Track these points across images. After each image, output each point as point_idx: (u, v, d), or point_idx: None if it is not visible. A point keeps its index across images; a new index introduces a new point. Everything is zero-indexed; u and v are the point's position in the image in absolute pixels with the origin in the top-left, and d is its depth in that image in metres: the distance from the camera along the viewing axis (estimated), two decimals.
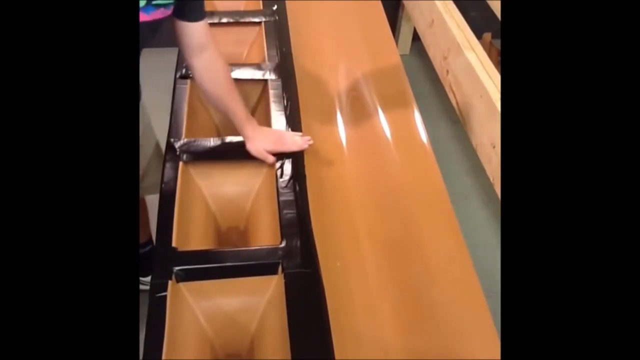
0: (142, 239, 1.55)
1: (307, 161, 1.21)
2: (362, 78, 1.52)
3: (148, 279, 1.52)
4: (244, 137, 1.18)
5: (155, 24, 0.98)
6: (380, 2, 1.83)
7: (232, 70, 1.39)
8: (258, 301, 0.99)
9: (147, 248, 1.57)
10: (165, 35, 1.13)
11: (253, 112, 1.45)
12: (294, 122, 1.27)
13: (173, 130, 1.23)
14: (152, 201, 1.36)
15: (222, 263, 0.98)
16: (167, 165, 1.15)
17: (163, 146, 1.25)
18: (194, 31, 1.04)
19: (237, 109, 1.15)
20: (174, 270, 0.95)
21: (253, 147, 1.17)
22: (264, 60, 1.46)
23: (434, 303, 1.01)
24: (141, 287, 1.48)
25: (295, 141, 1.21)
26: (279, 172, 1.15)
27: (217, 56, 1.10)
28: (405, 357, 0.93)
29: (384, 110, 1.41)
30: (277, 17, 1.61)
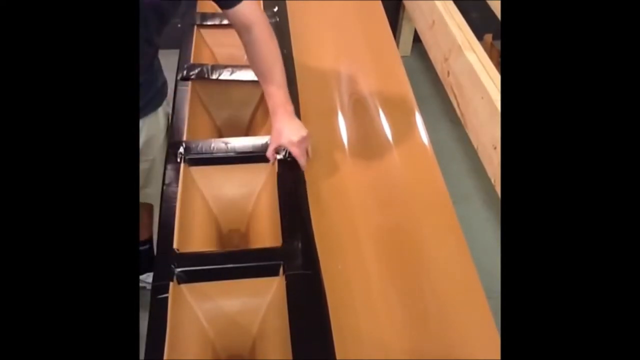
0: (143, 236, 1.56)
1: (308, 162, 1.21)
2: (363, 79, 1.52)
3: (145, 276, 1.56)
4: (275, 117, 1.16)
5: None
6: (380, 3, 1.83)
7: (233, 72, 1.39)
8: (259, 303, 0.99)
9: (147, 246, 1.58)
10: (165, 37, 1.13)
11: (254, 114, 1.45)
12: None
13: (174, 132, 1.23)
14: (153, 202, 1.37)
15: (223, 265, 0.98)
16: (169, 166, 1.15)
17: None
18: (233, 15, 1.10)
19: (272, 91, 1.15)
20: (175, 272, 0.95)
21: (279, 132, 1.15)
22: None
23: (435, 304, 1.01)
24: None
25: (301, 150, 1.17)
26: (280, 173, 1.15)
27: (260, 36, 1.13)
28: (406, 358, 0.93)
29: (384, 112, 1.41)
30: (277, 19, 1.61)
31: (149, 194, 1.32)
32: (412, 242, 1.12)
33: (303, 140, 1.16)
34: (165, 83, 1.29)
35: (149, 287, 1.62)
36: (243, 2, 1.09)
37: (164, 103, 1.28)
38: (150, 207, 1.47)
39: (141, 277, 1.58)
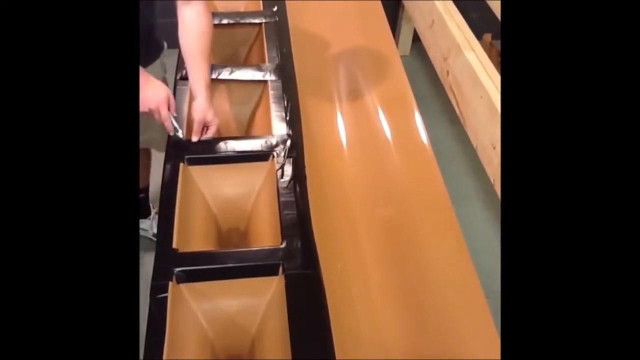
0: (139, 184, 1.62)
1: (308, 162, 1.21)
2: (362, 79, 1.52)
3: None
4: (200, 95, 1.17)
5: None
6: (380, 3, 1.83)
7: (232, 72, 1.39)
8: (259, 302, 0.99)
9: (142, 195, 1.65)
10: (165, 37, 1.13)
11: (253, 113, 1.45)
12: (294, 123, 1.27)
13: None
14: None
15: (222, 264, 0.98)
16: (168, 166, 1.14)
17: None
18: None
19: (205, 69, 1.18)
20: (175, 272, 0.95)
21: (204, 109, 1.18)
22: (264, 61, 1.46)
23: (434, 304, 1.01)
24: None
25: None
26: (279, 172, 1.15)
27: (205, 12, 1.17)
28: (406, 358, 0.93)
29: (384, 111, 1.41)
30: (277, 18, 1.61)
31: (149, 139, 1.35)
32: (411, 242, 1.11)
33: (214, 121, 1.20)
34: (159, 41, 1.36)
35: (142, 232, 1.71)
36: None
37: (161, 55, 1.36)
38: (147, 152, 1.51)
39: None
